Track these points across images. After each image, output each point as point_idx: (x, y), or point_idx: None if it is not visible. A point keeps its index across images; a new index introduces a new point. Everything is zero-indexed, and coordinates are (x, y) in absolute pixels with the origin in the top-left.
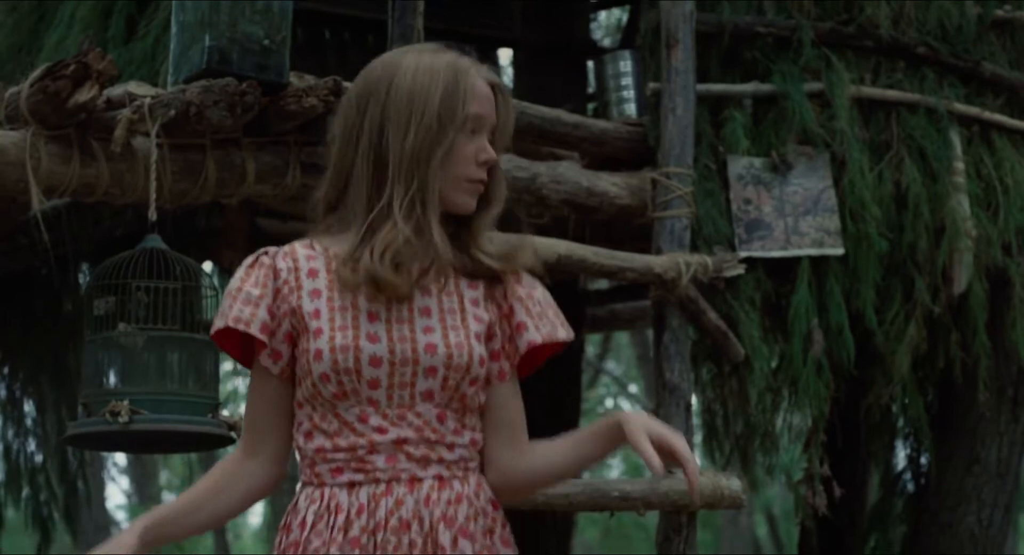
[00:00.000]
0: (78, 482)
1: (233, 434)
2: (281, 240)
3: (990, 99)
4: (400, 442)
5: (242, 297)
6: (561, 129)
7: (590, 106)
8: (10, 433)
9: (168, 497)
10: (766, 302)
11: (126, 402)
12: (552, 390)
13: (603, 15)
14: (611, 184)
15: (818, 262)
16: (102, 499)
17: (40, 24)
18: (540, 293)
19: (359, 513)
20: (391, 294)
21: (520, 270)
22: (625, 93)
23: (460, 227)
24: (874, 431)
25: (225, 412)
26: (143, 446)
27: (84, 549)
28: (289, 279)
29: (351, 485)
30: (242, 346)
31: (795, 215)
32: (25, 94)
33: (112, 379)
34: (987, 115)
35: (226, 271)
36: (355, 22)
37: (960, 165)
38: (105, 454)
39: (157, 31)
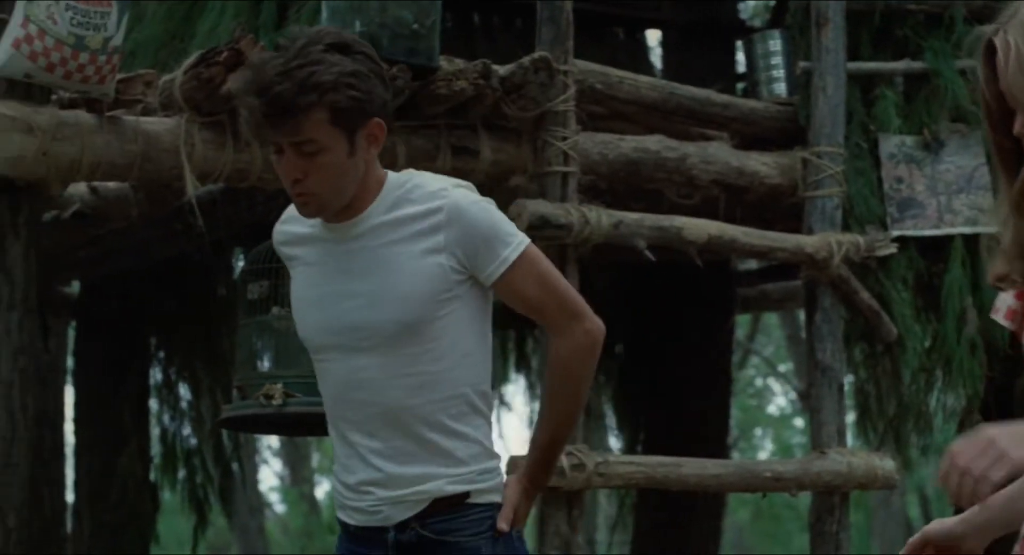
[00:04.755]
0: (233, 464)
1: None
2: None
3: None
4: None
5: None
6: (711, 109)
7: (739, 86)
8: (166, 417)
9: (319, 479)
10: (919, 281)
11: (280, 385)
12: (703, 371)
13: None
14: (761, 164)
15: (971, 240)
16: (255, 481)
17: (192, 12)
18: None
19: None
20: None
21: None
22: (775, 73)
23: None
24: None
25: None
26: (296, 428)
27: (238, 531)
28: None
29: None
30: None
31: (948, 193)
32: (179, 81)
33: (266, 362)
34: None
35: None
36: (503, 5)
37: None
38: (259, 436)
39: (308, 17)
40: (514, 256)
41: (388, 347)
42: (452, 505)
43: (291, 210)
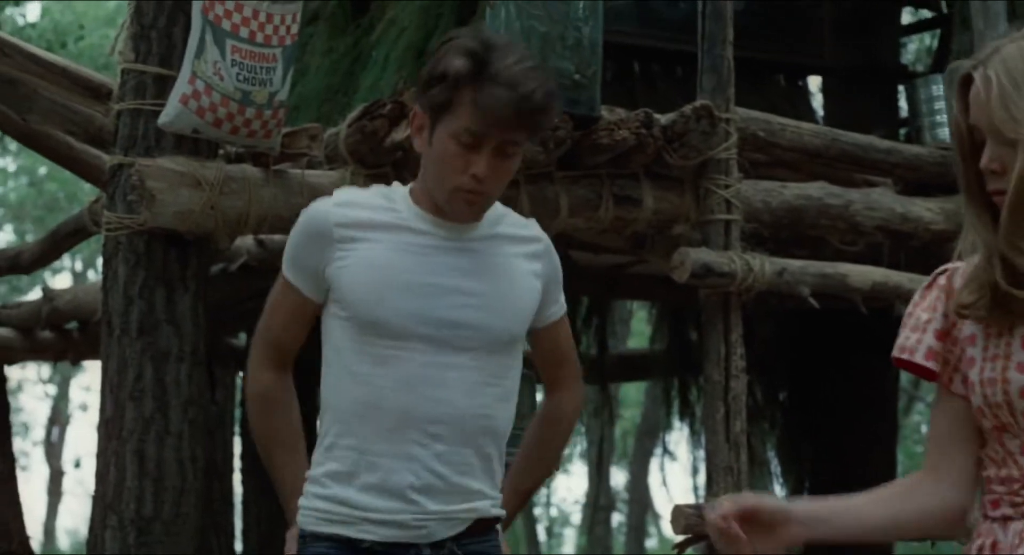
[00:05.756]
0: None
1: None
2: (592, 273)
3: None
4: None
5: (911, 323)
6: (874, 155)
7: (902, 131)
8: None
9: None
10: None
11: None
12: (868, 417)
13: (913, 39)
14: (926, 209)
15: None
16: None
17: (355, 66)
18: None
19: (1012, 550)
20: None
21: None
22: (938, 117)
23: None
24: None
25: None
26: None
27: None
28: None
29: (1004, 519)
30: (912, 364)
31: None
32: (343, 134)
33: None
34: None
35: None
36: (664, 54)
37: None
38: None
39: None
40: (566, 306)
41: (487, 352)
42: (486, 528)
43: (350, 194)
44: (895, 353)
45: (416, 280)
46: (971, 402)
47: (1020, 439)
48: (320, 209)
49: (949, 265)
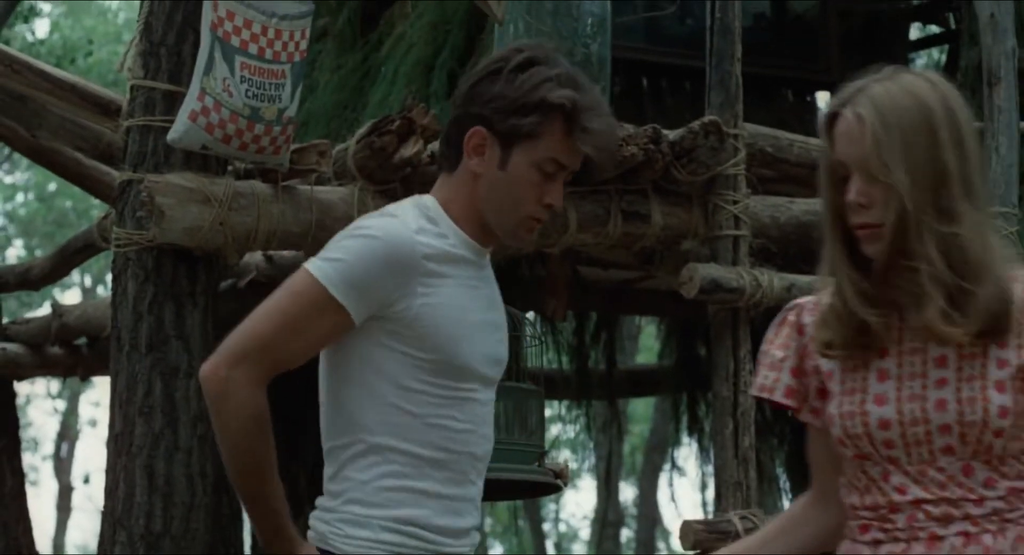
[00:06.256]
0: None
1: (559, 482)
2: (601, 288)
3: None
4: (918, 502)
5: (767, 361)
6: None
7: None
8: None
9: (491, 543)
10: None
11: None
12: None
13: (921, 55)
14: None
15: None
16: None
17: (364, 82)
18: None
19: None
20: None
21: None
22: None
23: None
24: None
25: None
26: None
27: None
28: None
29: (875, 543)
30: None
31: None
32: (352, 150)
33: None
34: None
35: (548, 320)
36: (672, 70)
37: None
38: None
39: None
40: None
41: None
42: None
43: (414, 220)
44: (755, 392)
45: (479, 318)
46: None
47: (882, 467)
48: (404, 237)
49: (798, 301)
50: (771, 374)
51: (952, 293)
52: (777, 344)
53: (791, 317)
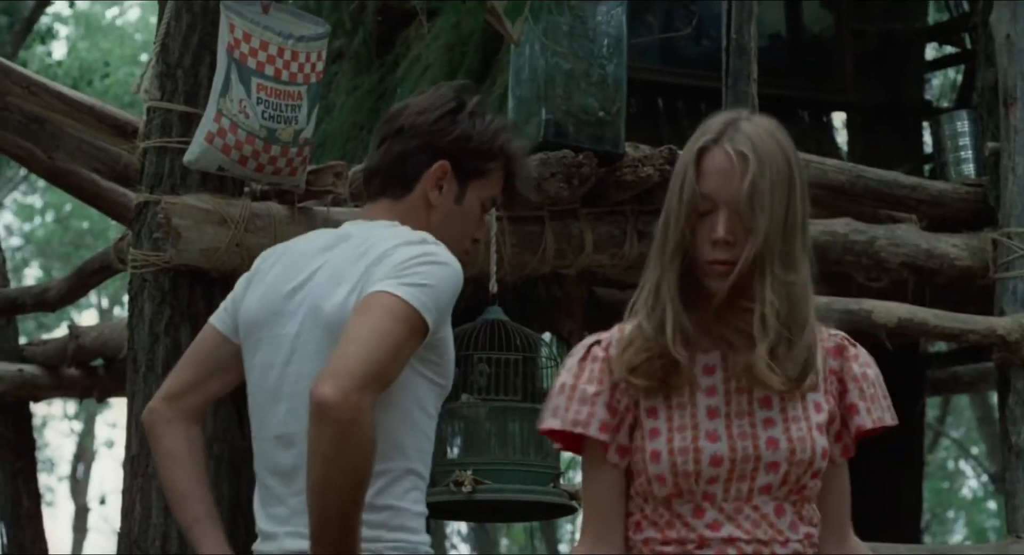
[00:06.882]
0: None
1: (575, 503)
2: (617, 309)
3: None
4: (732, 539)
5: (578, 396)
6: (899, 191)
7: (927, 167)
8: None
9: None
10: None
11: (469, 472)
12: (893, 454)
13: (937, 75)
14: (951, 246)
15: None
16: None
17: (380, 103)
18: (874, 374)
19: None
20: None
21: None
22: (963, 153)
23: None
24: None
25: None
26: (486, 515)
27: None
28: None
29: None
30: (571, 436)
31: None
32: None
33: (455, 449)
34: None
35: (565, 341)
36: (688, 90)
37: None
38: (448, 522)
39: (494, 106)
40: None
41: None
42: None
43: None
44: (566, 427)
45: None
46: (626, 471)
47: (694, 504)
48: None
49: (601, 335)
50: (584, 409)
51: (777, 340)
52: (585, 379)
53: (597, 351)
